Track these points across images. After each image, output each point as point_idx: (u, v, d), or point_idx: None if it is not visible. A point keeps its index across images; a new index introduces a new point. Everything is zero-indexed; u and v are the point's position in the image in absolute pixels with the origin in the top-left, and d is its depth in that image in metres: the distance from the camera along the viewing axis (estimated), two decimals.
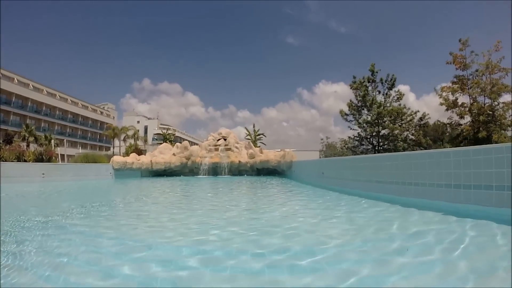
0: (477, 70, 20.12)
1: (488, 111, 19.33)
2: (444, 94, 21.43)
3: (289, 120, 71.71)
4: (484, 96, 19.89)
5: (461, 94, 20.92)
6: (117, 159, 16.13)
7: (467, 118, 20.99)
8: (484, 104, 19.76)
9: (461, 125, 21.39)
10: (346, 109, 24.24)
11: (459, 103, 21.05)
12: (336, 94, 65.60)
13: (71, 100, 57.26)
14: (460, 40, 20.57)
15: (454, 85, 20.90)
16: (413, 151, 5.13)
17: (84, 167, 14.73)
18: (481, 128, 19.24)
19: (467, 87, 20.50)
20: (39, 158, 14.98)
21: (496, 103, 19.42)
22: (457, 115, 21.29)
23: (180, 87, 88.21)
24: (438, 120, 25.55)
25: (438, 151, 4.24)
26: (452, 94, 21.11)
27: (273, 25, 66.43)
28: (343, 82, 66.29)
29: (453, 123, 22.20)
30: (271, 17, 66.01)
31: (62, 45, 75.07)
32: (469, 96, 20.67)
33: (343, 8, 62.30)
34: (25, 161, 14.27)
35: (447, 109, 21.52)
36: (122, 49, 77.48)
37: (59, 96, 54.38)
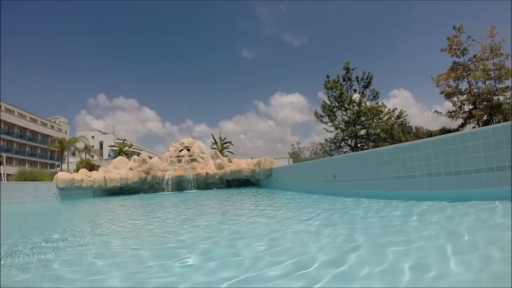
0: (475, 56, 20.19)
1: (498, 94, 19.37)
2: (442, 82, 21.35)
3: (247, 132, 75.22)
4: (485, 81, 19.85)
5: (461, 81, 20.93)
6: (62, 176, 14.20)
7: (466, 107, 20.97)
8: (496, 87, 19.66)
9: (467, 112, 21.13)
10: (302, 118, 24.01)
11: (461, 90, 20.91)
12: (291, 104, 71.48)
13: (18, 113, 52.89)
14: (454, 27, 20.58)
15: (453, 72, 20.81)
16: None
17: (18, 187, 12.63)
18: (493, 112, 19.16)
19: (465, 73, 20.46)
20: None
21: (502, 86, 19.46)
22: (461, 102, 21.13)
23: (136, 102, 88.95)
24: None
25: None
26: (454, 80, 20.99)
27: (228, 39, 71.83)
28: (298, 92, 72.52)
29: (457, 111, 21.78)
30: (226, 32, 72.68)
31: (12, 57, 71.08)
32: (468, 82, 20.70)
33: (296, 22, 69.37)
34: None
35: (447, 97, 21.38)
36: (76, 63, 76.09)
37: (5, 108, 50.00)
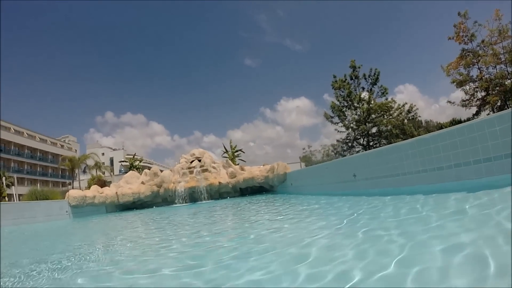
0: (483, 41, 19.73)
1: (511, 78, 18.86)
2: (452, 71, 20.88)
3: (255, 139, 75.30)
4: (496, 65, 19.35)
5: (471, 68, 20.45)
6: (74, 193, 14.18)
7: (479, 94, 20.42)
8: (507, 71, 19.16)
9: (480, 99, 20.59)
10: (309, 121, 23.85)
11: (472, 77, 20.43)
12: (298, 108, 71.44)
13: (27, 134, 53.74)
14: (459, 13, 20.17)
15: (462, 60, 20.36)
16: None
17: (28, 206, 12.64)
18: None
19: (475, 60, 19.99)
20: None
21: None
22: (473, 89, 20.63)
23: (144, 118, 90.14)
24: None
25: None
26: (465, 68, 20.50)
27: (230, 49, 72.82)
28: (304, 96, 73.18)
29: (470, 99, 21.22)
30: (228, 41, 73.79)
31: (19, 78, 72.79)
32: (479, 69, 20.20)
33: (295, 26, 69.87)
34: None
35: (459, 86, 20.90)
36: (83, 82, 77.79)
37: (14, 130, 50.85)
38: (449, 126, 5.40)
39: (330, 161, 10.59)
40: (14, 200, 26.61)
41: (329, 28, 66.16)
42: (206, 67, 74.99)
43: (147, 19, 69.76)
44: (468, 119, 21.04)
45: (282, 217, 5.07)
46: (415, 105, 22.69)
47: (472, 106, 21.23)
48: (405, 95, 50.81)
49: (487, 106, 19.94)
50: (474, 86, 20.54)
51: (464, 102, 21.42)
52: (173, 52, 72.94)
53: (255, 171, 14.92)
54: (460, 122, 23.58)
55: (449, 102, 22.52)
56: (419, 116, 24.22)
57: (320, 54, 68.86)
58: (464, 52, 20.33)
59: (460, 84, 20.68)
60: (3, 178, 30.31)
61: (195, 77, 76.93)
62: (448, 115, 56.50)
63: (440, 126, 28.24)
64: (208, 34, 71.39)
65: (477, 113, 20.96)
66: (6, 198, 29.74)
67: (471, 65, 20.21)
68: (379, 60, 60.22)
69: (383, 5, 58.86)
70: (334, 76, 23.81)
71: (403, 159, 5.28)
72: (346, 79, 23.33)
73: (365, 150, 22.48)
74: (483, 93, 20.28)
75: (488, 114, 19.59)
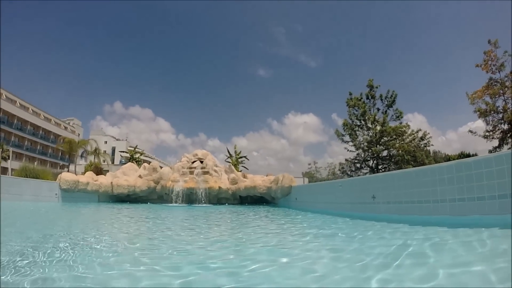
0: (511, 72, 19.20)
1: None
2: (477, 100, 20.34)
3: (259, 149, 75.44)
4: None
5: (497, 98, 19.91)
6: (67, 176, 13.70)
7: (502, 126, 19.85)
8: None
9: (504, 132, 19.89)
10: (315, 138, 23.40)
11: (498, 108, 19.85)
12: (305, 124, 71.57)
13: (32, 110, 53.73)
14: (489, 41, 19.76)
15: (488, 89, 19.83)
16: None
17: (17, 182, 12.14)
18: None
19: (502, 91, 19.49)
20: None
21: None
22: (497, 121, 20.04)
23: (152, 113, 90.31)
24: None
25: None
26: (491, 97, 19.93)
27: (245, 57, 74.96)
28: (312, 113, 72.20)
29: (492, 130, 20.56)
30: (243, 49, 73.85)
31: (33, 53, 73.30)
32: (504, 100, 19.66)
33: (312, 43, 69.76)
34: None
35: (482, 116, 20.33)
36: (96, 68, 78.61)
37: (19, 104, 50.84)
38: (457, 159, 4.90)
39: (346, 178, 10.00)
40: (8, 174, 26.19)
41: (344, 49, 66.35)
42: (219, 71, 75.72)
43: (166, 19, 70.27)
44: (490, 151, 20.40)
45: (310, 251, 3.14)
46: (428, 133, 22.13)
47: (493, 138, 20.59)
48: (413, 123, 50.28)
49: (510, 139, 19.30)
50: (498, 118, 19.95)
51: (488, 133, 20.74)
52: (188, 53, 73.85)
53: (257, 180, 14.36)
54: (469, 156, 22.97)
55: (471, 131, 21.79)
56: (432, 145, 23.60)
57: (333, 74, 69.31)
58: (491, 81, 19.81)
59: (484, 114, 20.10)
60: (0, 150, 29.99)
61: (207, 80, 77.59)
62: (455, 148, 56.02)
63: (448, 158, 27.58)
64: (225, 40, 72.10)
65: (499, 146, 20.25)
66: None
67: (497, 96, 19.66)
68: (390, 86, 59.78)
69: (393, 36, 58.49)
70: (350, 94, 23.34)
71: (437, 184, 4.72)
72: (361, 98, 22.83)
73: (373, 173, 21.83)
74: (506, 126, 19.70)
75: (509, 149, 18.98)
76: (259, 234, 4.70)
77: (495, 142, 20.60)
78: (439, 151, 38.60)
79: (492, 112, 19.87)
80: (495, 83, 19.75)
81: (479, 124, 21.33)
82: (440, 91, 57.66)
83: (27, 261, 2.47)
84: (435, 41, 57.25)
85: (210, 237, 4.49)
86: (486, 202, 3.89)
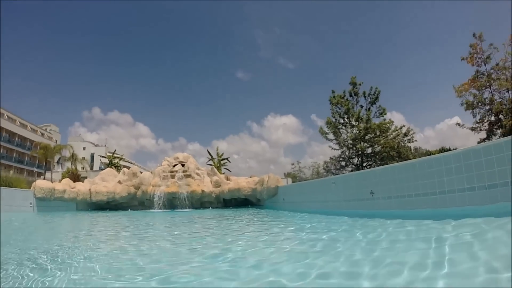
0: (497, 65, 19.66)
1: None
2: (464, 93, 20.74)
3: (240, 152, 75.50)
4: (508, 90, 19.22)
5: (483, 91, 20.33)
6: (42, 184, 13.10)
7: (488, 118, 20.25)
8: None
9: (493, 123, 20.32)
10: (295, 139, 23.49)
11: (485, 100, 20.27)
12: (285, 126, 72.00)
13: (7, 116, 51.61)
14: (474, 35, 20.14)
15: (474, 82, 20.22)
16: None
17: None
18: None
19: (488, 83, 19.89)
20: None
21: None
22: (484, 113, 20.44)
23: (131, 118, 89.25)
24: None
25: None
26: (478, 90, 20.31)
27: (224, 60, 74.99)
28: (291, 114, 73.03)
29: (480, 122, 20.98)
30: (221, 52, 73.23)
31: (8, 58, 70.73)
32: (491, 92, 20.05)
33: (291, 46, 70.19)
34: None
35: (469, 108, 20.69)
36: (73, 73, 76.95)
37: None
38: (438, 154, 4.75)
39: (341, 175, 9.80)
40: None
41: (322, 51, 67.02)
42: (198, 75, 75.11)
43: (145, 23, 69.59)
44: (478, 143, 20.80)
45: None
46: (412, 129, 22.44)
47: (481, 130, 21.06)
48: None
49: (499, 130, 19.74)
50: (485, 110, 20.41)
51: (478, 125, 21.19)
52: (166, 56, 73.05)
53: (242, 182, 14.11)
54: (449, 150, 23.50)
55: (458, 124, 22.25)
56: (416, 140, 23.98)
57: (311, 75, 70.09)
58: (478, 74, 20.22)
59: (471, 106, 20.51)
60: None
61: (186, 84, 76.83)
62: (433, 145, 57.47)
63: (429, 153, 28.13)
64: (202, 43, 71.78)
65: (488, 137, 20.68)
66: None
67: (483, 88, 20.09)
68: (369, 84, 60.63)
69: (373, 33, 60.00)
70: (333, 92, 23.40)
71: (443, 174, 4.55)
72: (345, 95, 22.92)
73: (358, 170, 21.95)
74: (493, 118, 20.18)
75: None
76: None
77: (483, 134, 21.11)
78: (420, 147, 39.50)
79: (480, 104, 20.33)
80: (481, 76, 20.19)
81: (457, 120, 21.83)
82: (416, 88, 58.99)
83: None
84: (412, 40, 58.54)
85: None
86: (498, 189, 3.72)
